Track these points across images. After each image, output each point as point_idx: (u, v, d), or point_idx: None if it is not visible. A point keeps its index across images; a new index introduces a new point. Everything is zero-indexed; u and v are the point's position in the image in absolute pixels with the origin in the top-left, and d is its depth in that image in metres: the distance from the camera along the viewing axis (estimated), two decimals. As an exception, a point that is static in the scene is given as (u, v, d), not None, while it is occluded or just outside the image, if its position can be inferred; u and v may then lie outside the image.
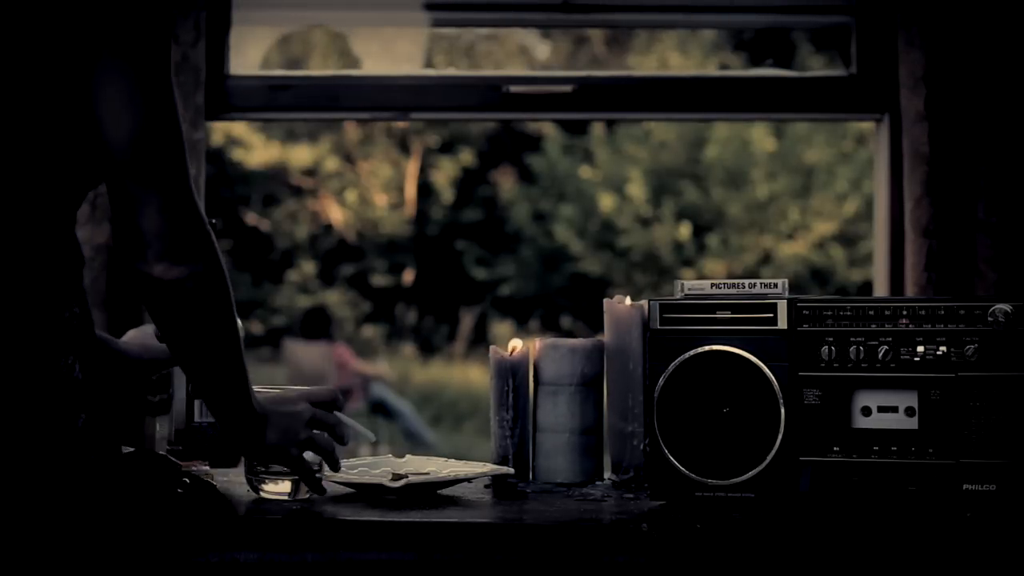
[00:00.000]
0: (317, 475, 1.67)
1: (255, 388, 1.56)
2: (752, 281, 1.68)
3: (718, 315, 1.66)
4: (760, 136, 11.71)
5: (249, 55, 2.63)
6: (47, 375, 1.33)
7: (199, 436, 1.78)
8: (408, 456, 1.91)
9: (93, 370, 1.38)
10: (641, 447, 1.83)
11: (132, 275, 1.41)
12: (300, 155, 12.78)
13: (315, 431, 1.61)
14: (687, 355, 1.66)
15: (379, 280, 13.08)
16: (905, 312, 1.62)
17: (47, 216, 1.38)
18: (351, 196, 13.08)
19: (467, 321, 12.91)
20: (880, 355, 1.61)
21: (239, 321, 1.50)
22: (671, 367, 1.66)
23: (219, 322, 1.45)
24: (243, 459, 1.70)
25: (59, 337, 1.35)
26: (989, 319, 1.59)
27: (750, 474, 1.63)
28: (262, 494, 1.66)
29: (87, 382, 1.37)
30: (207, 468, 1.77)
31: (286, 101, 2.51)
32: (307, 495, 1.68)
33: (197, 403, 1.79)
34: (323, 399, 1.64)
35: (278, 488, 1.67)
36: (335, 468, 1.66)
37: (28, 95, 1.34)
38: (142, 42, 1.37)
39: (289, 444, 1.58)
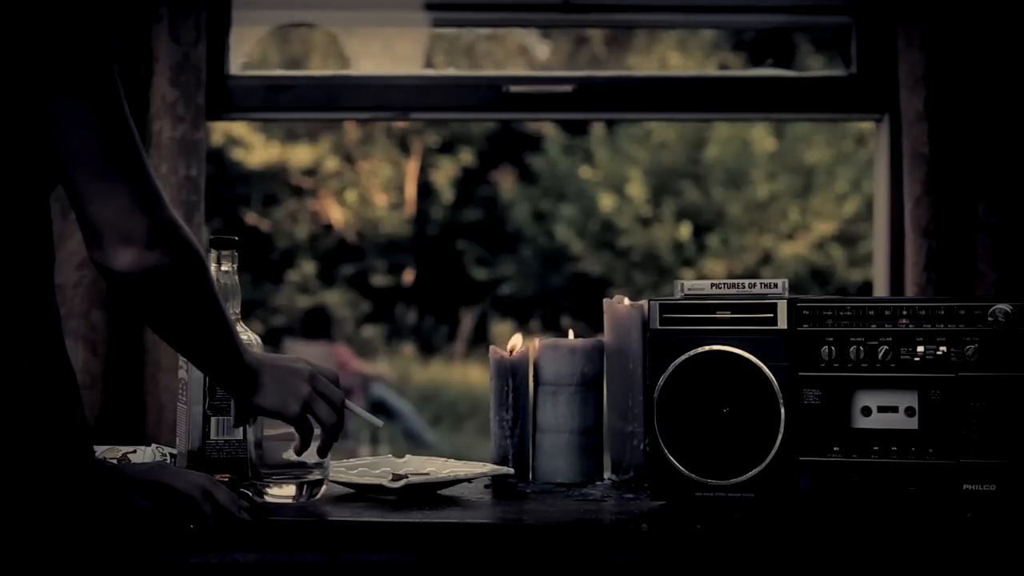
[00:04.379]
0: (319, 480, 1.67)
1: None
2: (752, 281, 1.68)
3: (718, 315, 1.66)
4: (760, 136, 11.71)
5: (248, 53, 2.63)
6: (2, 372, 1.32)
7: (215, 454, 1.77)
8: (408, 456, 1.91)
9: (48, 366, 1.37)
10: (641, 447, 1.83)
11: (97, 269, 1.41)
12: (300, 155, 12.77)
13: (317, 393, 1.60)
14: (687, 355, 1.66)
15: (379, 280, 13.07)
16: (905, 312, 1.62)
17: (12, 209, 1.37)
18: (351, 196, 13.07)
19: (467, 321, 12.91)
20: (880, 355, 1.61)
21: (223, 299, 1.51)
22: (671, 367, 1.66)
23: (198, 308, 1.46)
24: (249, 468, 1.69)
25: (11, 332, 1.34)
26: (989, 319, 1.59)
27: (750, 474, 1.63)
28: (266, 498, 1.65)
29: (36, 376, 1.35)
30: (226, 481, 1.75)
31: (286, 101, 2.51)
32: (313, 498, 1.67)
33: (213, 420, 1.78)
34: (326, 373, 1.63)
35: (282, 492, 1.66)
36: (326, 447, 1.63)
37: None
38: (94, 72, 1.38)
39: (287, 397, 1.57)
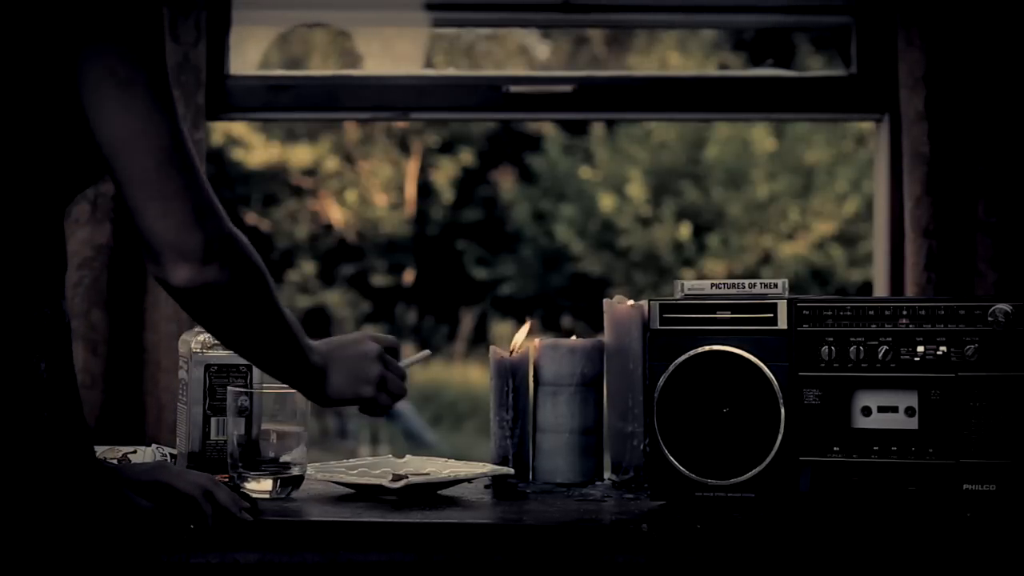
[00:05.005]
0: (298, 477, 1.68)
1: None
2: (752, 281, 1.69)
3: (718, 315, 1.66)
4: (760, 136, 11.70)
5: (249, 55, 2.63)
6: (15, 374, 1.32)
7: (215, 454, 1.77)
8: (408, 456, 1.91)
9: (60, 370, 1.37)
10: (641, 447, 1.83)
11: (156, 282, 1.41)
12: (300, 155, 12.76)
13: (387, 372, 1.63)
14: (687, 355, 1.66)
15: (379, 280, 13.06)
16: (905, 312, 1.62)
17: (33, 215, 1.37)
18: (351, 196, 13.06)
19: (467, 321, 12.91)
20: (880, 355, 1.61)
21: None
22: (671, 367, 1.66)
23: (260, 319, 1.47)
24: (228, 460, 1.70)
25: (30, 337, 1.34)
26: (989, 319, 1.59)
27: (750, 474, 1.63)
28: (244, 491, 1.66)
29: (51, 381, 1.35)
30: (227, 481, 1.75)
31: (286, 101, 2.51)
32: (289, 494, 1.68)
33: (213, 421, 1.78)
34: (388, 343, 1.67)
35: (259, 486, 1.67)
36: (383, 413, 1.67)
37: (17, 95, 1.33)
38: (152, 87, 1.36)
39: (360, 385, 1.61)
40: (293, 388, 1.63)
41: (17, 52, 1.33)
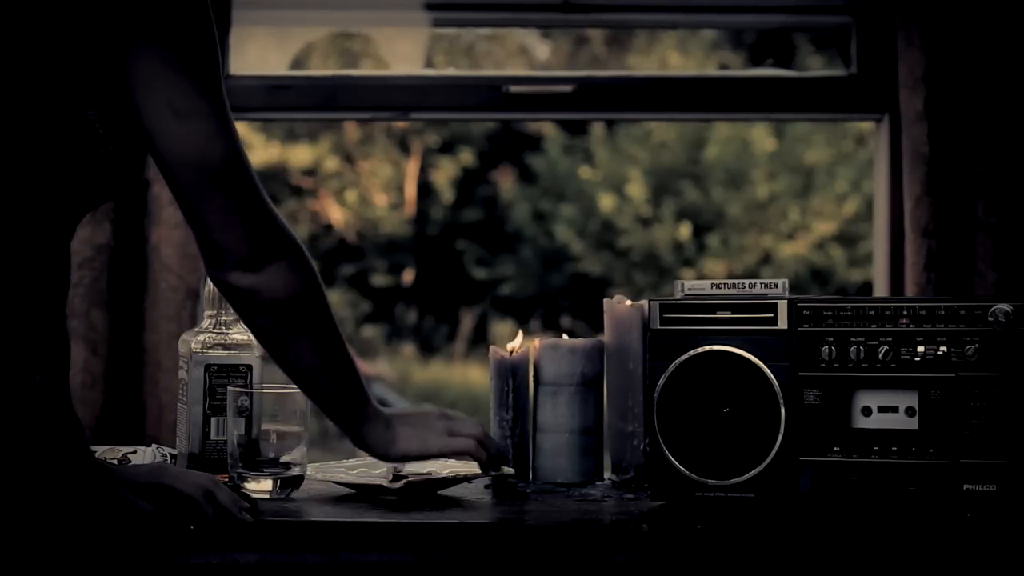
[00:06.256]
0: (298, 478, 1.68)
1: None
2: (752, 281, 1.68)
3: (718, 315, 1.66)
4: (760, 136, 11.70)
5: (249, 55, 2.63)
6: (15, 388, 1.32)
7: (215, 455, 1.77)
8: (408, 456, 1.91)
9: (55, 380, 1.37)
10: (641, 447, 1.83)
11: (216, 285, 1.46)
12: (300, 155, 12.77)
13: (452, 422, 1.63)
14: (687, 355, 1.66)
15: (379, 280, 13.07)
16: (905, 312, 1.62)
17: (41, 235, 1.36)
18: (351, 196, 13.07)
19: (467, 321, 12.91)
20: (880, 355, 1.61)
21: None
22: (671, 367, 1.66)
23: (315, 325, 1.49)
24: (228, 460, 1.70)
25: (30, 352, 1.34)
26: (989, 319, 1.59)
27: (750, 474, 1.63)
28: (244, 491, 1.66)
29: (46, 387, 1.35)
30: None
31: (286, 101, 2.50)
32: (289, 495, 1.68)
33: (213, 421, 1.78)
34: (454, 415, 1.66)
35: (259, 486, 1.67)
36: (489, 455, 1.66)
37: (34, 113, 1.33)
38: (208, 89, 1.39)
39: (427, 436, 1.61)
40: (356, 443, 1.60)
41: (40, 64, 1.33)
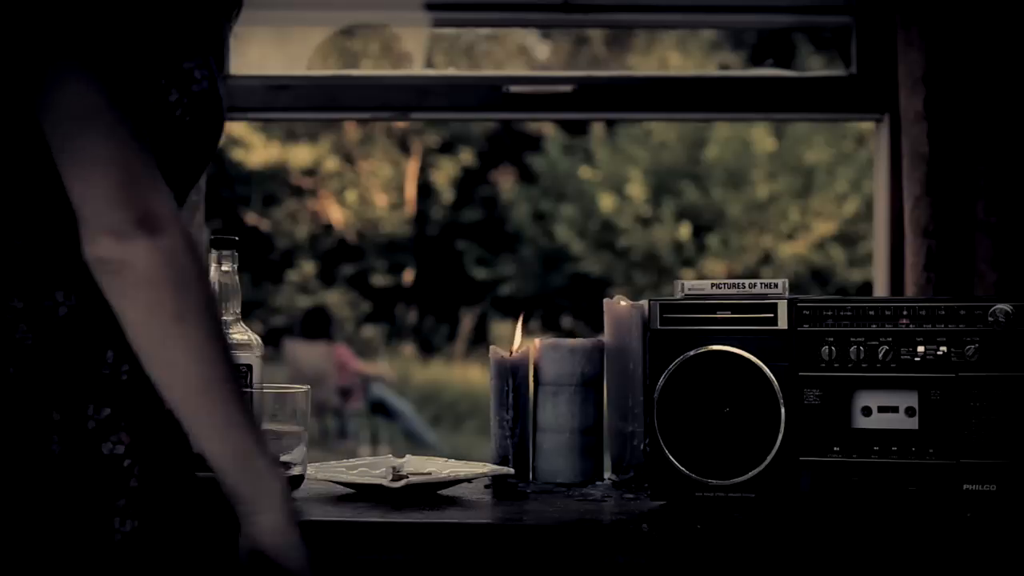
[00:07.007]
0: (298, 477, 1.67)
1: None
2: (752, 281, 1.68)
3: (718, 315, 1.66)
4: (760, 136, 11.71)
5: (249, 55, 2.63)
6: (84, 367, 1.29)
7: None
8: (408, 456, 1.91)
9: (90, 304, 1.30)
10: (641, 447, 1.83)
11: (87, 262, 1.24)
12: (300, 155, 12.77)
13: None
14: (687, 355, 1.66)
15: (379, 280, 13.07)
16: (905, 312, 1.62)
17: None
18: (351, 196, 13.07)
19: (467, 321, 12.91)
20: (880, 355, 1.61)
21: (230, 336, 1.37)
22: (671, 367, 1.66)
23: (190, 332, 1.22)
24: None
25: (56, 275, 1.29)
26: (989, 319, 1.59)
27: (750, 474, 1.63)
28: None
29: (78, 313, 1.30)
30: None
31: (286, 101, 2.50)
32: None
33: None
34: None
35: None
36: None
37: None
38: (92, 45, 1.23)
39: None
40: (236, 490, 1.26)
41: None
